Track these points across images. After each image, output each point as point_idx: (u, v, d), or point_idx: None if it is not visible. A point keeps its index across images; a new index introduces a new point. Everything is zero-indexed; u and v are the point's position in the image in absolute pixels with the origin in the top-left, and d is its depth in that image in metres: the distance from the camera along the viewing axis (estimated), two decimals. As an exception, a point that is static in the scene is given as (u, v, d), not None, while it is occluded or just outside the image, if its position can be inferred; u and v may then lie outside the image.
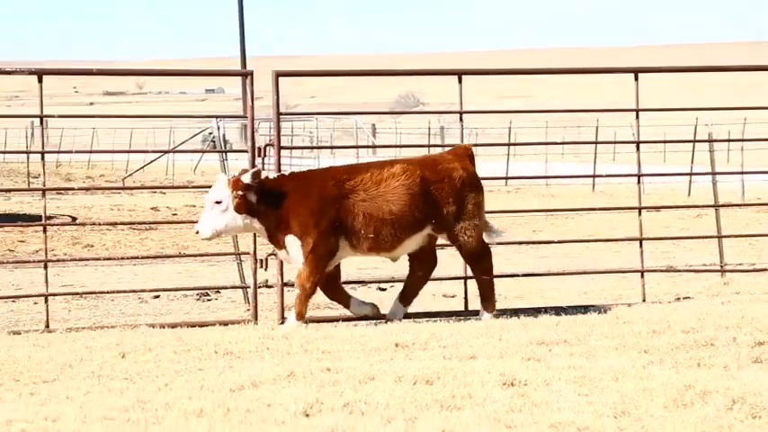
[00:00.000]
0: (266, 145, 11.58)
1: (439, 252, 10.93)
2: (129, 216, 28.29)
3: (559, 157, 51.98)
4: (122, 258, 16.23)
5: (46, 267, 11.13)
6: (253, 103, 11.23)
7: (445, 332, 9.61)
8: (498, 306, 10.96)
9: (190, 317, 11.91)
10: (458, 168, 10.70)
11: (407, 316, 10.96)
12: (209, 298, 13.73)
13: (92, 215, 28.02)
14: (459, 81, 11.76)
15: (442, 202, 10.54)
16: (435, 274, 10.93)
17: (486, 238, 10.91)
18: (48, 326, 10.73)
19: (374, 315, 10.72)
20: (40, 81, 10.97)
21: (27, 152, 34.09)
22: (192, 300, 13.56)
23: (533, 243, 18.70)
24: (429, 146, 19.09)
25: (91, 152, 56.97)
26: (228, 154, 24.07)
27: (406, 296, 10.82)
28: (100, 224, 18.38)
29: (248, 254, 11.21)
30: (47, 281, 11.06)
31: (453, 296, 12.82)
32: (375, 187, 10.40)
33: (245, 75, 11.59)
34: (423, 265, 10.78)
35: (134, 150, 29.72)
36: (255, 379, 7.77)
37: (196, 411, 6.85)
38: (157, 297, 13.66)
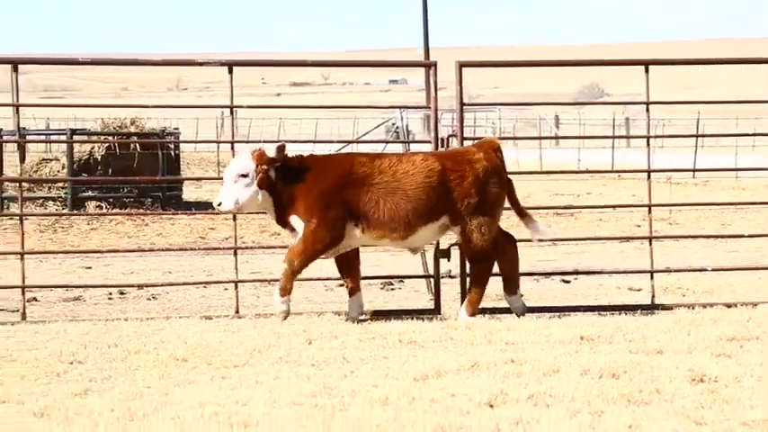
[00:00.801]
0: (449, 136, 11.58)
1: (617, 246, 10.75)
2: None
3: (749, 149, 50.59)
4: (308, 247, 16.42)
5: (236, 254, 11.39)
6: (436, 94, 11.26)
7: (631, 326, 9.49)
8: (685, 300, 10.73)
9: (374, 305, 12.01)
10: (481, 161, 10.39)
11: (591, 309, 10.86)
12: (392, 287, 13.83)
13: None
14: (646, 71, 11.54)
15: (462, 193, 10.23)
16: (621, 266, 10.77)
17: (531, 236, 10.64)
18: (237, 311, 10.98)
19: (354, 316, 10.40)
20: (231, 72, 11.21)
21: (217, 141, 35.01)
22: (376, 288, 13.69)
23: (664, 237, 18.25)
24: (613, 137, 18.79)
25: (278, 142, 58.04)
26: (411, 144, 24.18)
27: (509, 285, 10.50)
28: (286, 213, 18.70)
29: (431, 244, 11.24)
30: (236, 267, 11.31)
31: (639, 290, 12.62)
32: (392, 174, 10.15)
33: (429, 65, 11.62)
34: (505, 250, 10.42)
35: (319, 140, 30.10)
36: (439, 368, 7.80)
37: (381, 399, 6.92)
38: (342, 285, 13.82)
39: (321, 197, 10.06)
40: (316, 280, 13.39)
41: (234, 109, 11.50)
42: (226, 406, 6.78)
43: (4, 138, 24.62)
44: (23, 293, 10.79)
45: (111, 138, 26.71)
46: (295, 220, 10.15)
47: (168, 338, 9.27)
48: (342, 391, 7.19)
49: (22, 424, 6.38)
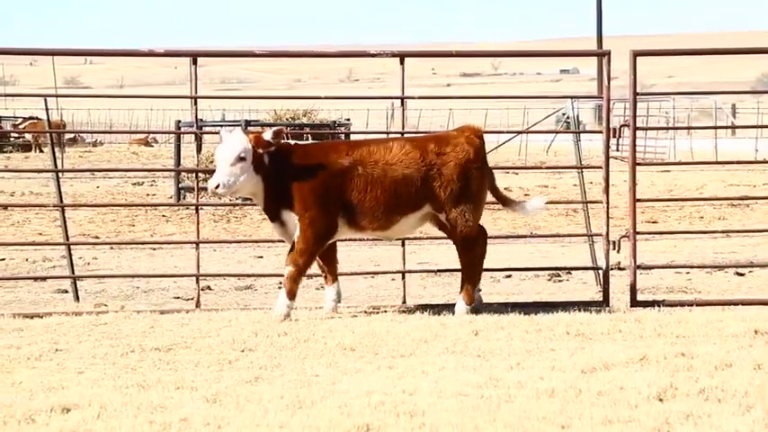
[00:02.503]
0: (621, 125, 11.45)
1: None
2: (482, 196, 28.63)
3: None
4: (476, 237, 16.42)
5: (403, 245, 11.44)
6: (609, 84, 11.11)
7: (808, 320, 9.21)
8: None
9: (541, 297, 11.94)
10: (463, 148, 10.13)
11: (766, 303, 10.57)
12: (560, 279, 13.72)
13: (447, 194, 28.57)
14: (828, 58, 11.17)
15: (443, 181, 9.97)
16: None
17: (523, 214, 10.55)
18: (404, 301, 11.04)
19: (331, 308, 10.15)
20: (402, 63, 11.26)
21: (387, 132, 35.16)
22: (543, 280, 13.60)
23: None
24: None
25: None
26: (582, 135, 23.94)
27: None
28: (455, 203, 18.73)
29: (600, 235, 11.11)
30: (404, 258, 11.37)
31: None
32: (373, 163, 9.89)
33: (602, 54, 11.46)
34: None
35: (488, 131, 30.00)
36: (607, 361, 7.71)
37: (548, 391, 6.88)
38: (509, 277, 13.78)
39: (314, 189, 9.83)
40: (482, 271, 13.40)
41: (405, 100, 11.56)
42: (392, 395, 6.83)
43: (182, 129, 25.23)
44: (198, 282, 11.06)
45: (283, 129, 27.16)
46: (287, 215, 9.90)
47: (336, 328, 9.39)
48: (508, 382, 7.17)
49: (196, 409, 6.55)
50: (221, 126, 36.65)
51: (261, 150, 9.80)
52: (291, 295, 9.95)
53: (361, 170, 9.90)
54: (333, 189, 9.87)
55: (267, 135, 9.90)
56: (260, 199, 9.98)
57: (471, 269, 10.25)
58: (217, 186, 9.74)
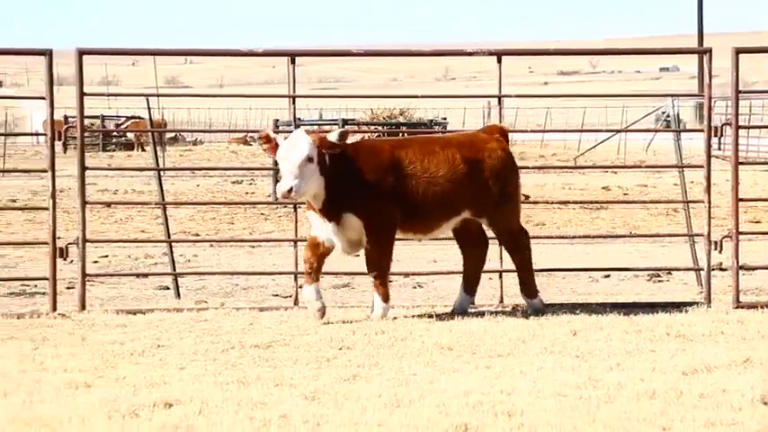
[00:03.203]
0: (723, 124, 11.24)
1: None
2: (580, 195, 28.45)
3: None
4: (573, 237, 16.34)
5: (500, 244, 11.40)
6: (710, 81, 10.95)
7: None
8: None
9: (641, 297, 11.82)
10: (496, 148, 10.00)
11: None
12: (660, 279, 13.57)
13: (543, 194, 28.43)
14: None
15: (483, 183, 9.87)
16: None
17: None
18: (502, 301, 11.00)
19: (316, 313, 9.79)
20: (499, 62, 11.22)
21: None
22: (642, 280, 13.46)
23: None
24: None
25: (544, 131, 57.83)
26: (682, 133, 23.64)
27: (470, 285, 10.23)
28: (551, 203, 18.61)
29: (701, 235, 10.96)
30: (501, 257, 11.33)
31: None
32: (419, 163, 9.71)
33: (703, 52, 11.30)
34: (476, 249, 10.17)
35: (586, 129, 29.86)
36: (709, 363, 7.62)
37: (648, 393, 6.81)
38: (608, 276, 13.67)
39: (378, 192, 9.62)
40: (578, 271, 13.31)
41: (501, 98, 11.52)
42: (490, 395, 6.82)
43: (281, 129, 25.43)
44: (296, 279, 11.14)
45: (380, 127, 27.26)
46: (348, 217, 9.63)
47: (433, 327, 9.39)
48: (607, 383, 7.11)
49: (295, 406, 6.60)
50: (319, 125, 37.03)
51: (324, 152, 9.50)
52: (386, 298, 9.88)
53: (411, 171, 9.72)
54: (393, 188, 9.71)
55: (332, 136, 9.55)
56: (320, 201, 9.63)
57: (527, 268, 10.24)
58: (289, 190, 9.31)
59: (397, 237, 10.04)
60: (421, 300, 11.70)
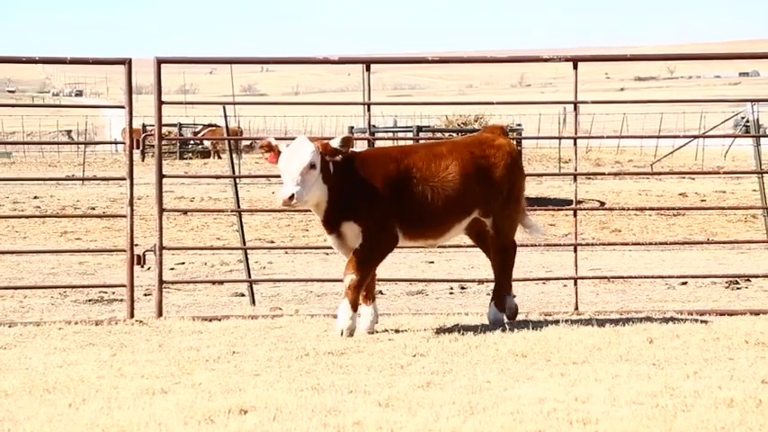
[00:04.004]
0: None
1: None
2: (656, 201, 28.19)
3: None
4: (650, 244, 16.21)
5: (576, 251, 11.34)
6: (789, 86, 10.80)
7: None
8: None
9: (718, 305, 11.68)
10: (504, 145, 9.80)
11: None
12: (738, 286, 13.40)
13: (620, 200, 28.22)
14: None
15: (492, 184, 9.65)
16: None
17: (528, 234, 10.03)
18: (576, 308, 10.93)
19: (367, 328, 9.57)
20: (575, 68, 11.16)
21: (559, 137, 34.98)
22: (720, 287, 13.30)
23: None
24: None
25: (620, 137, 57.29)
26: (762, 139, 23.33)
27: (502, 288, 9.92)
28: (628, 209, 18.49)
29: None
30: (576, 264, 11.27)
31: None
32: (427, 169, 9.45)
33: (782, 56, 11.15)
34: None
35: (663, 135, 29.54)
36: (788, 372, 7.50)
37: (726, 401, 6.73)
38: (685, 283, 13.53)
39: (382, 204, 9.36)
40: (654, 278, 13.18)
41: (577, 104, 11.46)
42: (565, 403, 6.77)
43: (355, 135, 25.48)
44: (370, 286, 11.14)
45: (455, 134, 27.22)
46: (348, 226, 9.36)
47: (507, 334, 9.36)
48: (684, 391, 7.04)
49: (369, 413, 6.61)
50: (393, 132, 37.10)
51: (328, 158, 9.26)
52: (355, 306, 9.41)
53: (419, 177, 9.50)
54: (399, 199, 9.46)
55: (335, 143, 9.31)
56: (321, 210, 9.38)
57: (508, 271, 9.96)
58: (291, 197, 9.04)
59: (408, 246, 9.89)
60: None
